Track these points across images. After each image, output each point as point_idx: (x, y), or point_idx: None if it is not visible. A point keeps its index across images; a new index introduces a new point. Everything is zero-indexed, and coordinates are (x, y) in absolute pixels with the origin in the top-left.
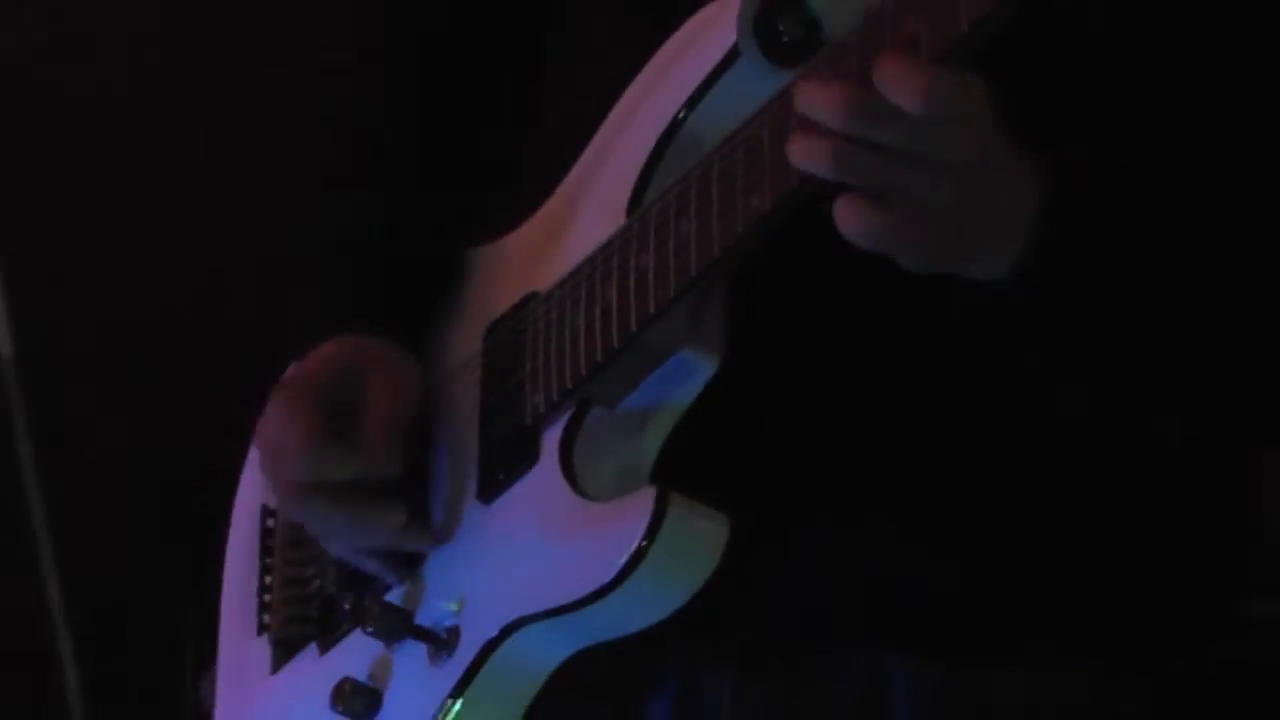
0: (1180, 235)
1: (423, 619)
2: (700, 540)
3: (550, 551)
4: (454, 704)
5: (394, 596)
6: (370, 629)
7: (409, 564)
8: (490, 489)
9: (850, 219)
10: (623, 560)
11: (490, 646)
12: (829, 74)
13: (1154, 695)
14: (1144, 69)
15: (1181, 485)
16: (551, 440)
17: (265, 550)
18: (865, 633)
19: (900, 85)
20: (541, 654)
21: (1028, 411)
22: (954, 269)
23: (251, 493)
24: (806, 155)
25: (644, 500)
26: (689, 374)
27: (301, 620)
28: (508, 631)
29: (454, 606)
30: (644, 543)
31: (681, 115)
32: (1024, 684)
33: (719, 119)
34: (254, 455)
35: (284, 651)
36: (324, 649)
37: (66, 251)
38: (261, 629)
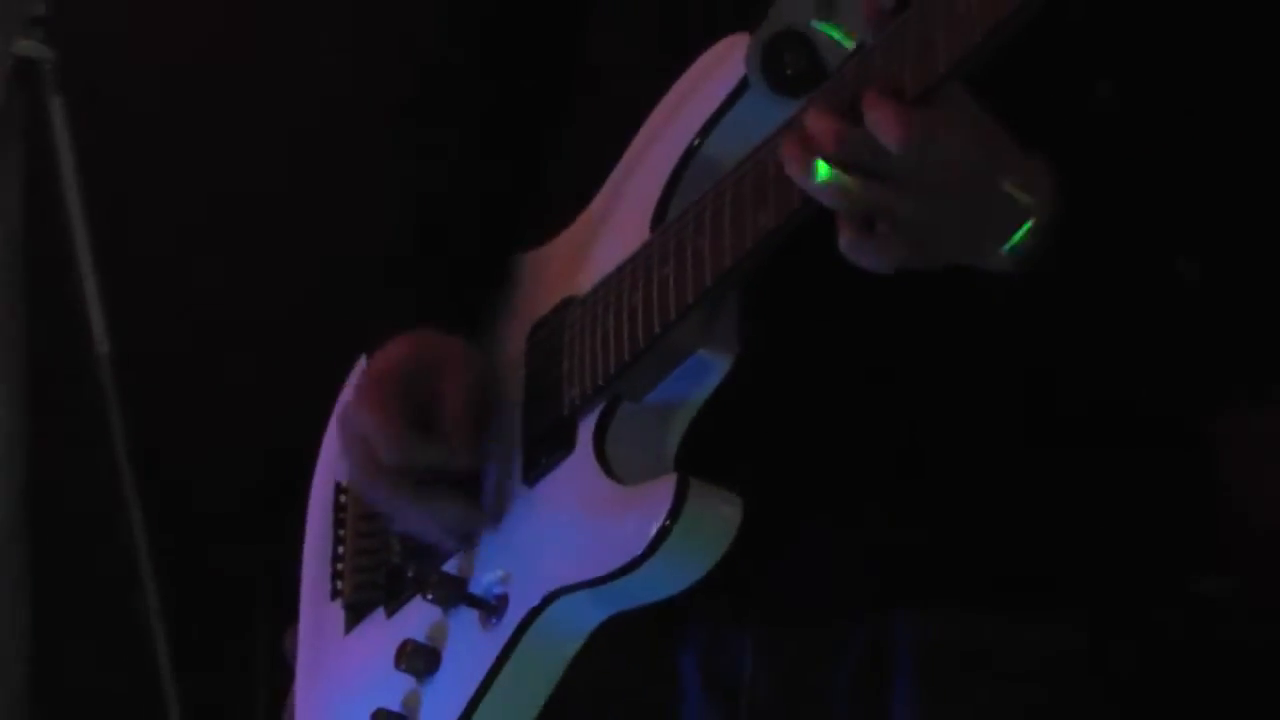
0: (1169, 229)
1: (475, 588)
2: (717, 520)
3: (586, 529)
4: (502, 663)
5: (450, 567)
6: (430, 596)
7: (465, 537)
8: (533, 473)
9: (853, 248)
10: (649, 538)
11: (534, 613)
12: (829, 106)
13: (1137, 641)
14: (1130, 72)
15: (1155, 455)
16: (586, 430)
17: (339, 523)
18: (869, 591)
19: (881, 127)
20: (579, 620)
21: (1022, 395)
22: (955, 262)
23: (327, 472)
24: (805, 177)
25: (667, 485)
26: (706, 371)
27: (370, 587)
28: (549, 600)
29: (502, 577)
30: (668, 522)
31: (697, 142)
32: (1012, 634)
33: (731, 144)
34: (329, 437)
35: (354, 615)
36: (390, 613)
37: (161, 254)
38: (335, 594)
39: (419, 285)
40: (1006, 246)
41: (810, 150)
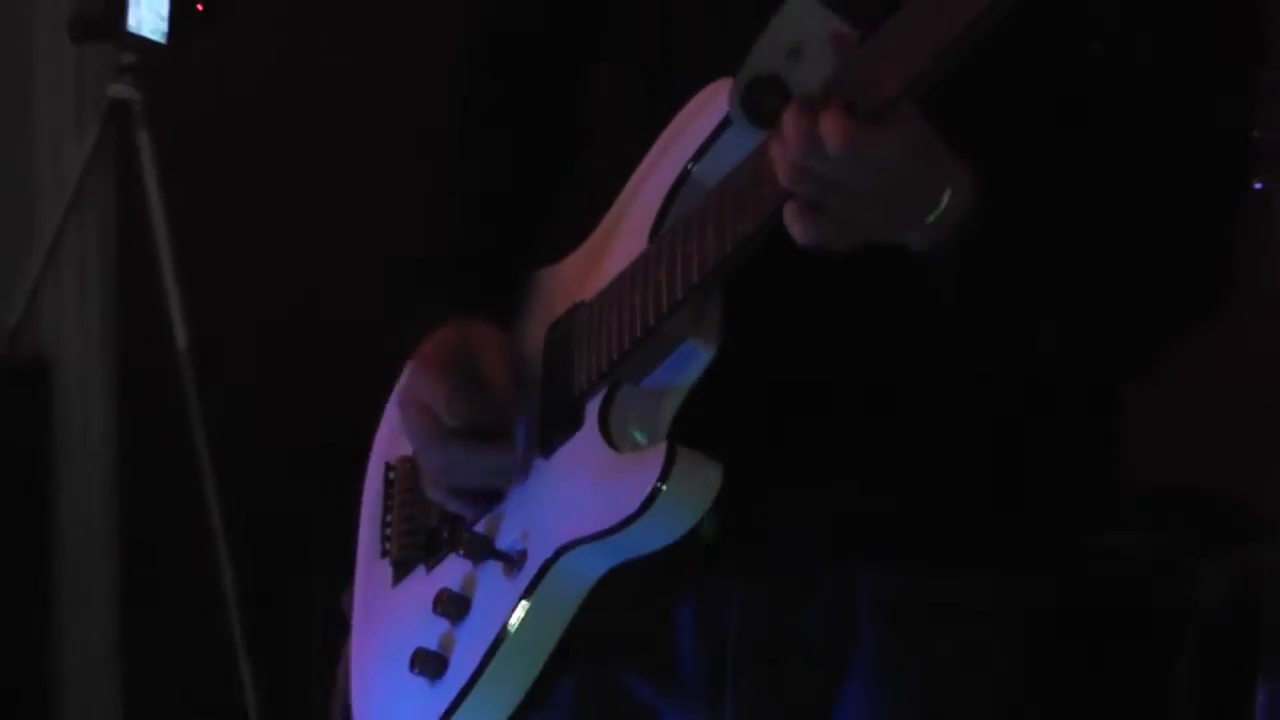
0: (1073, 221)
1: (500, 544)
2: (701, 482)
3: (591, 492)
4: (524, 604)
5: (479, 528)
6: (462, 552)
7: (487, 504)
8: (548, 446)
9: (792, 219)
10: (643, 497)
11: (548, 564)
12: (794, 119)
13: (1055, 593)
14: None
15: (1069, 421)
16: (592, 410)
17: (388, 496)
18: (835, 550)
19: (827, 137)
20: (586, 569)
21: (961, 373)
22: (882, 241)
23: (379, 456)
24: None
25: (659, 452)
26: (693, 358)
27: (413, 548)
28: (561, 552)
29: (522, 534)
30: (659, 484)
31: (690, 166)
32: (954, 586)
33: (716, 168)
34: (384, 423)
35: (400, 571)
36: (429, 569)
37: (231, 263)
38: (384, 554)
39: (459, 287)
40: (922, 233)
41: (784, 144)
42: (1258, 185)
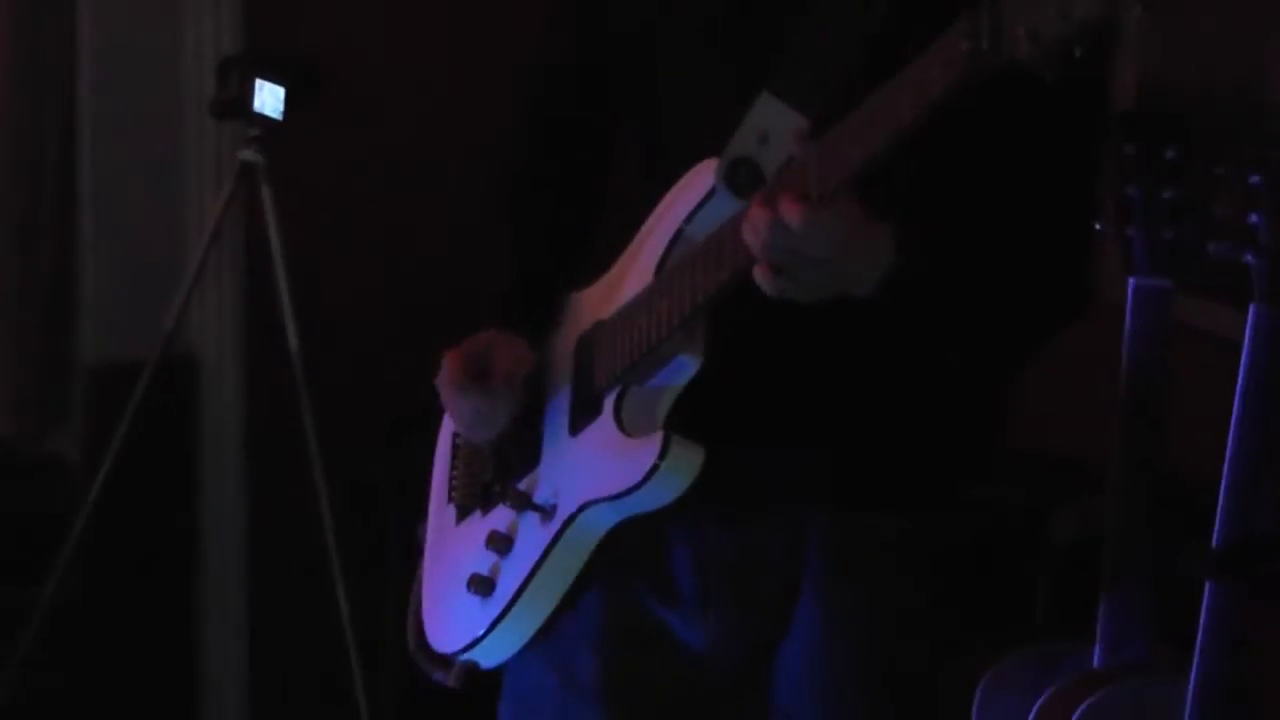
0: (968, 260)
1: (536, 499)
2: (688, 461)
3: (606, 464)
4: (551, 547)
5: (521, 485)
6: (509, 503)
7: (526, 466)
8: (576, 428)
9: (762, 279)
10: (645, 470)
11: (573, 517)
12: (760, 203)
13: (949, 530)
14: (943, 157)
15: (968, 401)
16: (609, 402)
17: (454, 455)
18: (790, 494)
19: (786, 216)
20: (601, 520)
21: (881, 370)
22: (834, 296)
23: (448, 425)
24: (751, 246)
25: (658, 438)
26: (685, 367)
27: (472, 496)
28: (583, 508)
29: (554, 492)
30: (658, 461)
31: (683, 225)
32: (878, 522)
33: (703, 226)
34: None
35: (462, 513)
36: (484, 513)
37: (335, 277)
38: (450, 500)
39: (506, 307)
40: (863, 288)
41: (753, 227)
42: (1098, 226)
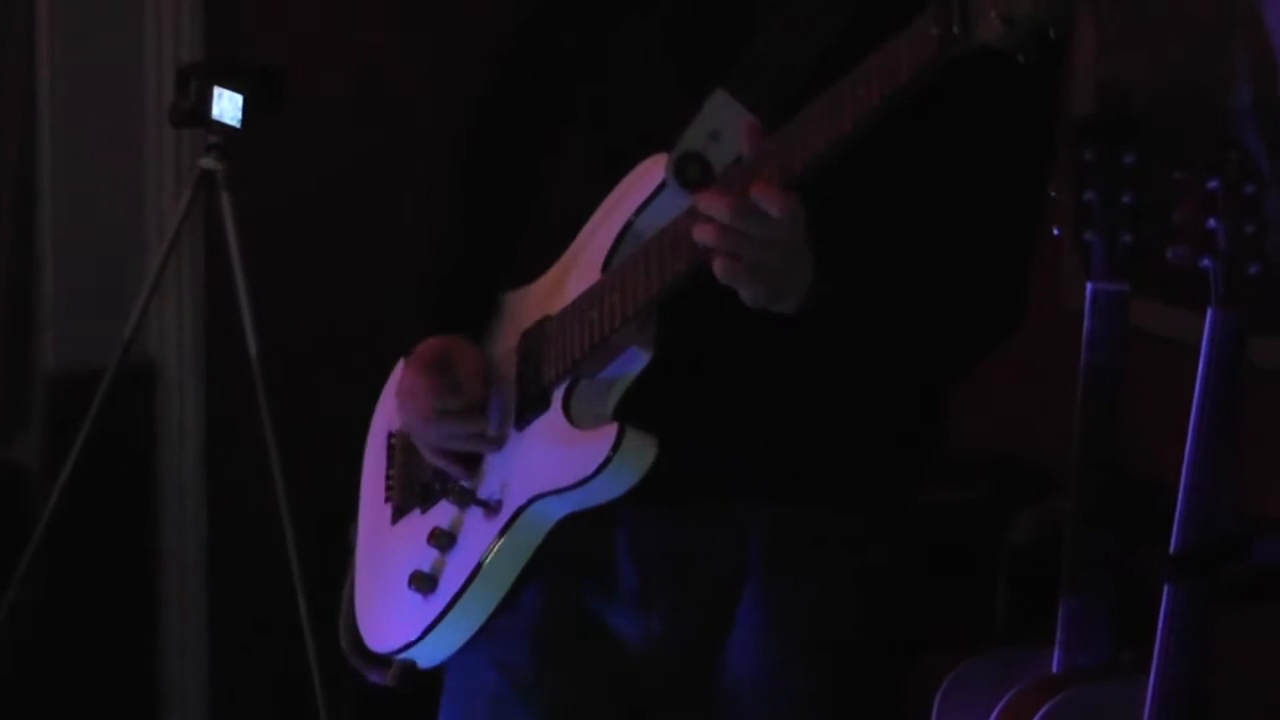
0: (894, 275)
1: (481, 494)
2: (641, 454)
3: (555, 457)
4: (498, 541)
5: (465, 482)
6: (451, 499)
7: (470, 465)
8: (522, 423)
9: (720, 268)
10: (598, 463)
11: (520, 510)
12: (721, 191)
13: (901, 531)
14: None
15: (909, 408)
16: (558, 396)
17: (390, 456)
18: (734, 491)
19: (766, 201)
20: (548, 514)
21: (833, 369)
22: (770, 305)
23: (381, 425)
24: (703, 235)
25: (611, 429)
26: (636, 359)
27: (410, 496)
28: (531, 501)
29: (500, 486)
30: (610, 454)
31: (632, 218)
32: (820, 521)
33: (653, 220)
34: (382, 403)
35: (399, 513)
36: (424, 511)
37: (292, 283)
38: (387, 500)
39: (442, 311)
40: (787, 303)
41: (706, 218)
42: (1055, 231)
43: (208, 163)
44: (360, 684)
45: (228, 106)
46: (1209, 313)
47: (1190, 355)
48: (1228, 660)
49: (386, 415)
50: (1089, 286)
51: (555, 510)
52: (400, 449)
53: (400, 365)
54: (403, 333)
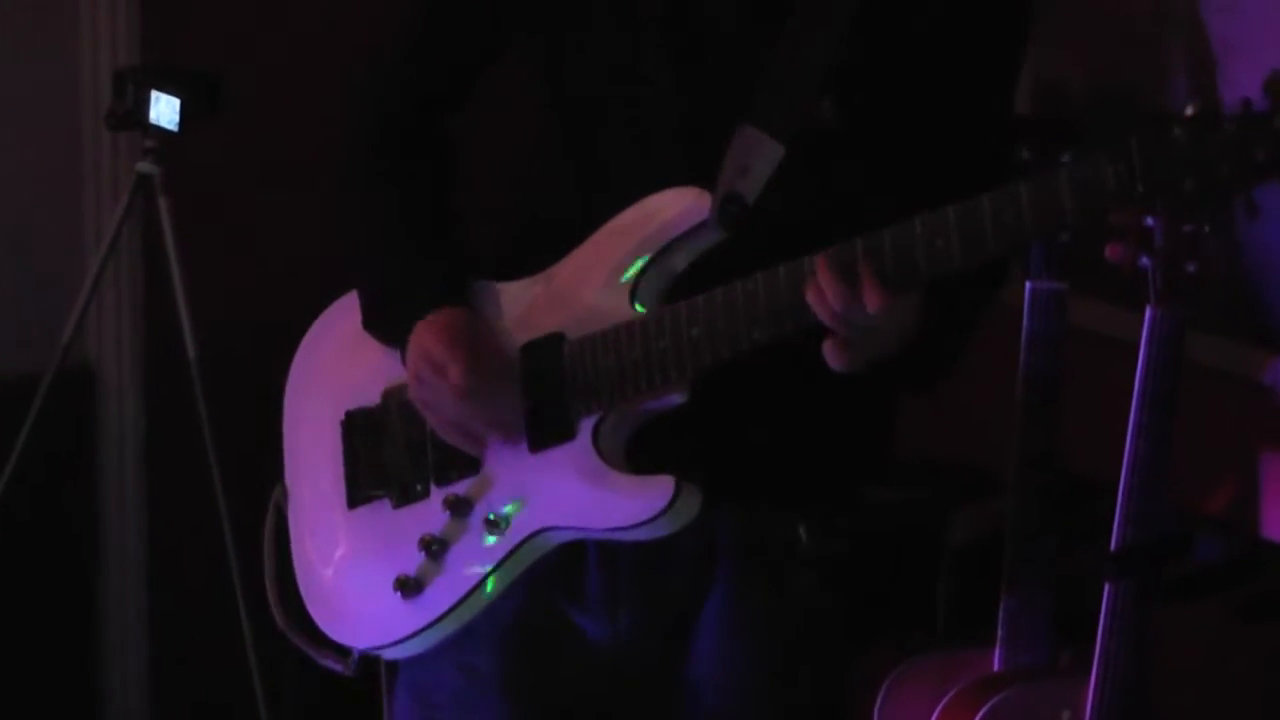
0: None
1: (485, 509)
2: (689, 507)
3: (590, 496)
4: (504, 561)
5: (461, 491)
6: (445, 506)
7: (466, 467)
8: (539, 444)
9: (831, 353)
10: (647, 516)
11: (532, 535)
12: (833, 277)
13: (853, 531)
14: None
15: (863, 409)
16: (586, 427)
17: (348, 437)
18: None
19: (867, 298)
20: (557, 539)
21: (798, 368)
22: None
23: (321, 400)
24: (819, 307)
25: (666, 484)
26: (670, 400)
27: (374, 483)
28: (544, 529)
29: (510, 506)
30: (665, 509)
31: (663, 250)
32: (784, 525)
33: (684, 257)
34: (312, 374)
35: (358, 499)
36: (396, 505)
37: (230, 287)
38: (343, 480)
39: (435, 280)
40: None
41: (824, 297)
42: None
43: (145, 167)
44: (303, 684)
45: (165, 110)
46: (1147, 311)
47: (1130, 353)
48: (1168, 658)
49: (332, 387)
50: (1028, 285)
51: (566, 537)
52: (362, 430)
53: (324, 327)
54: (394, 315)
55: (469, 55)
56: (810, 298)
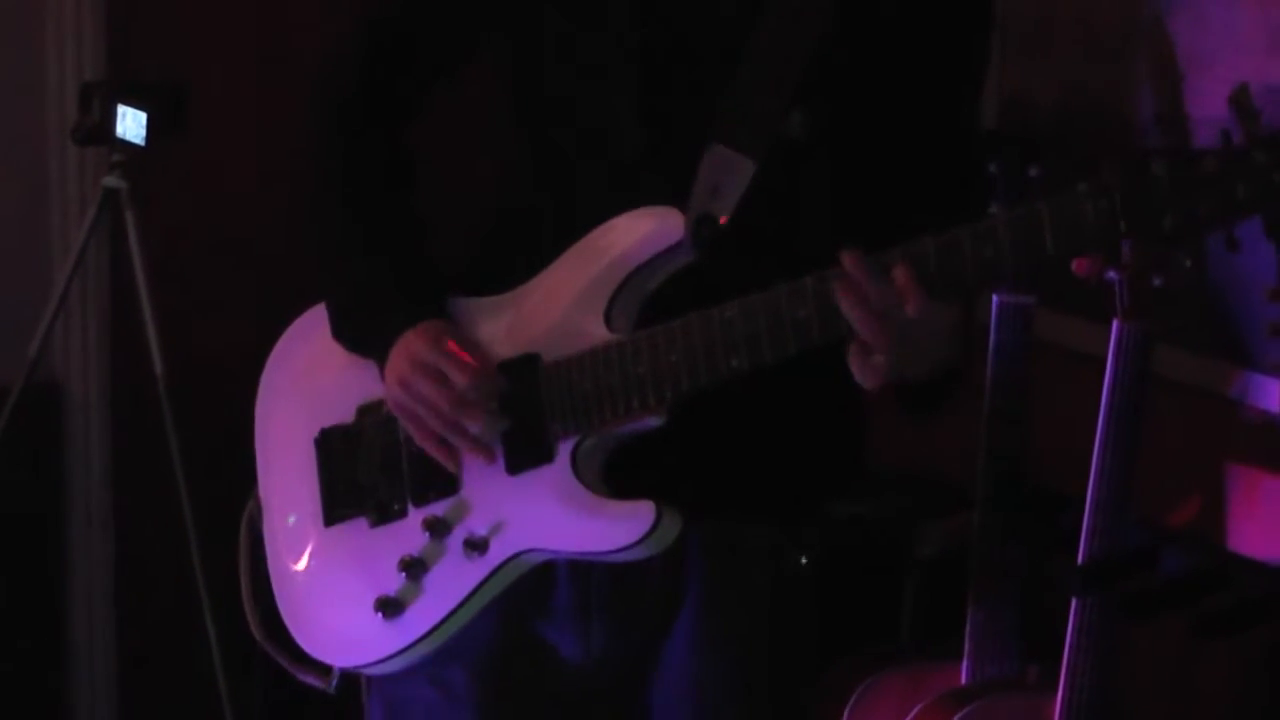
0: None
1: (463, 530)
2: (670, 532)
3: (569, 519)
4: (483, 583)
5: (440, 512)
6: (425, 527)
7: (444, 488)
8: (516, 467)
9: (855, 361)
10: (629, 541)
11: (511, 557)
12: (864, 277)
13: (820, 537)
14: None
15: (838, 431)
16: (564, 450)
17: (323, 453)
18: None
19: (906, 297)
20: (536, 560)
21: (771, 380)
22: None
23: (295, 418)
24: (850, 312)
25: (647, 510)
26: (647, 424)
27: (351, 501)
28: (523, 551)
29: (488, 529)
30: (647, 532)
31: (635, 271)
32: (753, 535)
33: (653, 277)
34: (283, 392)
35: (335, 516)
36: (373, 525)
37: (198, 301)
38: (319, 497)
39: (415, 292)
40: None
41: (859, 293)
42: None
43: (112, 181)
44: (268, 691)
45: (131, 124)
46: (1114, 325)
47: (1097, 367)
48: (1135, 670)
49: (304, 403)
50: (995, 299)
51: (544, 558)
52: (339, 448)
53: (293, 341)
54: (376, 330)
55: (431, 65)
56: (840, 292)
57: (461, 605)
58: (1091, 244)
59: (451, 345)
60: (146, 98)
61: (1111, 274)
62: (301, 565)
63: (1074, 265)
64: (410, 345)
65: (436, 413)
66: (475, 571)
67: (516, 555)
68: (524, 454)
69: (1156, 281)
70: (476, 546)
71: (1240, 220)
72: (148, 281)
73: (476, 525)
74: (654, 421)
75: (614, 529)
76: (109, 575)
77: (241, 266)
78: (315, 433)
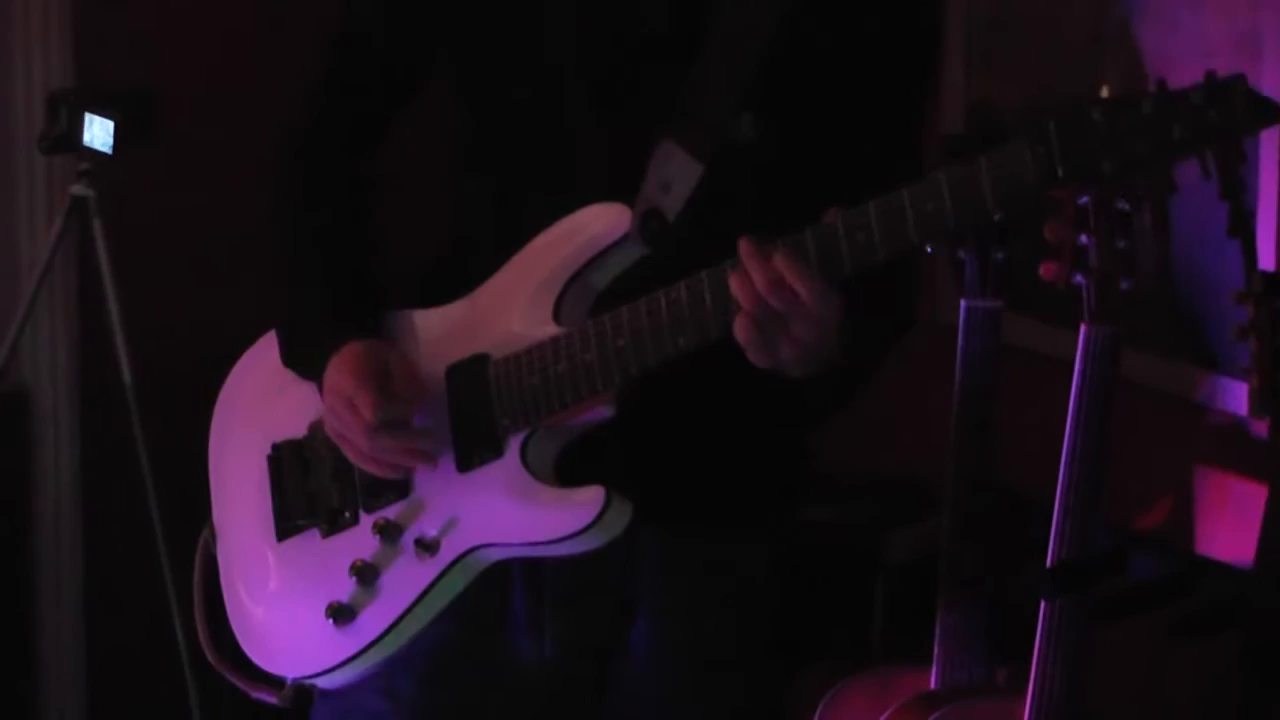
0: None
1: (414, 532)
2: (620, 518)
3: (519, 511)
4: (435, 583)
5: (392, 515)
6: (376, 531)
7: (395, 492)
8: (466, 464)
9: (742, 333)
10: (578, 526)
11: (463, 555)
12: (756, 265)
13: (783, 553)
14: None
15: (794, 434)
16: (514, 444)
17: (275, 469)
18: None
19: (801, 284)
20: (489, 558)
21: (720, 393)
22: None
23: (249, 433)
24: (739, 293)
25: (596, 494)
26: (599, 414)
27: (304, 515)
28: (474, 548)
29: (439, 529)
30: (595, 519)
31: (584, 266)
32: (710, 542)
33: (605, 272)
34: (236, 407)
35: (288, 530)
36: (325, 535)
37: (165, 309)
38: (271, 514)
39: (345, 316)
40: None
41: (747, 280)
42: (929, 249)
43: (79, 190)
44: (238, 705)
45: (99, 133)
46: (1082, 329)
47: (1065, 371)
48: (1104, 675)
49: (258, 422)
50: (963, 303)
51: (497, 555)
52: (290, 461)
53: (247, 365)
54: (298, 332)
55: (391, 83)
56: (733, 283)
57: (412, 607)
58: (1031, 192)
59: (365, 374)
60: (114, 106)
61: (1079, 278)
62: (254, 582)
63: (1041, 269)
64: (331, 374)
65: (356, 439)
66: (426, 572)
67: (468, 552)
68: (474, 452)
69: (1124, 285)
70: (427, 547)
71: (1178, 160)
72: (116, 290)
73: (427, 526)
74: (605, 411)
75: (563, 516)
76: (78, 582)
77: (209, 274)
78: (267, 449)
